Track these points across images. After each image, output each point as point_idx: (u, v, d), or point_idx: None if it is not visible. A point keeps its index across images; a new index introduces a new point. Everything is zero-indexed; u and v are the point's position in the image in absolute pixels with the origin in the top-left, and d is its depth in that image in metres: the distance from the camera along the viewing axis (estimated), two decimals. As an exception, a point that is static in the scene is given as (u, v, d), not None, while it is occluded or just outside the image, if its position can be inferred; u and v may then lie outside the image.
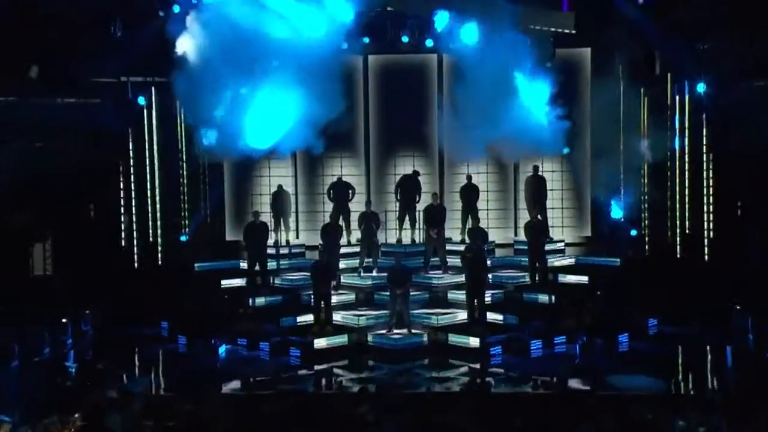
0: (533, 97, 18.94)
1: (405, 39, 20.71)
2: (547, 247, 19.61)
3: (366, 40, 20.12)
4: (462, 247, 18.83)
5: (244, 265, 19.77)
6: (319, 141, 17.92)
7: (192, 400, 12.49)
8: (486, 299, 17.59)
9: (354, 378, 14.97)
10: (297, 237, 21.77)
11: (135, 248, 20.42)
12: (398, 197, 20.88)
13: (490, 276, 18.45)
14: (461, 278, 18.40)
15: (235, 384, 15.04)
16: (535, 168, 20.88)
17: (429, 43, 20.59)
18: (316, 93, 17.09)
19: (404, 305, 17.15)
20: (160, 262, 20.44)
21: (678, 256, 20.17)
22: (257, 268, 19.16)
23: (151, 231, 20.55)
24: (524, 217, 20.76)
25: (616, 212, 20.91)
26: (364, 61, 21.85)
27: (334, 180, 21.31)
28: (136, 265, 20.32)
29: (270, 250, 20.00)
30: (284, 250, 20.46)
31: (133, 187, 20.60)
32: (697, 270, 19.34)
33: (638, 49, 20.41)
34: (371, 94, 22.17)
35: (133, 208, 20.59)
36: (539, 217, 19.54)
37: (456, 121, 19.10)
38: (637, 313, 17.78)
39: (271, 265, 19.70)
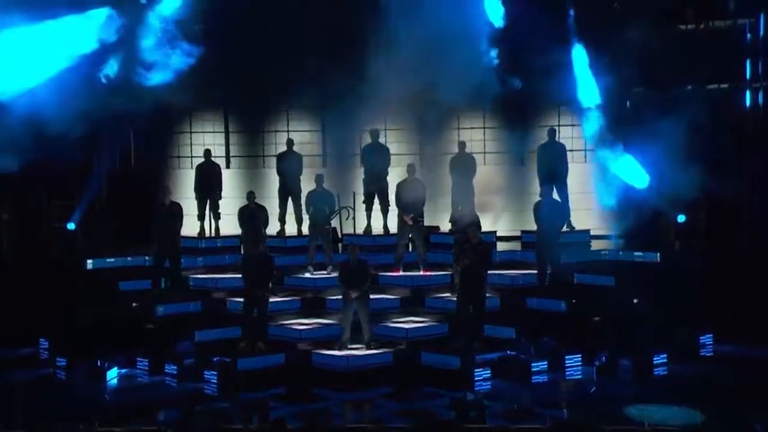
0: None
1: None
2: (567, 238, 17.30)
3: None
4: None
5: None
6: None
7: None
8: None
9: (292, 412, 13.08)
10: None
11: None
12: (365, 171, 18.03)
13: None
14: (446, 276, 16.50)
15: (118, 419, 12.55)
16: (551, 132, 17.92)
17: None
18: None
19: (362, 313, 14.96)
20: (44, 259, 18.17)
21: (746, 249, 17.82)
22: (167, 264, 16.72)
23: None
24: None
25: (640, 180, 17.82)
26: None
27: (284, 149, 18.57)
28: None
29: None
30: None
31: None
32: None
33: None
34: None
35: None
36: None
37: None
38: (683, 326, 15.57)
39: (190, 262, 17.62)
